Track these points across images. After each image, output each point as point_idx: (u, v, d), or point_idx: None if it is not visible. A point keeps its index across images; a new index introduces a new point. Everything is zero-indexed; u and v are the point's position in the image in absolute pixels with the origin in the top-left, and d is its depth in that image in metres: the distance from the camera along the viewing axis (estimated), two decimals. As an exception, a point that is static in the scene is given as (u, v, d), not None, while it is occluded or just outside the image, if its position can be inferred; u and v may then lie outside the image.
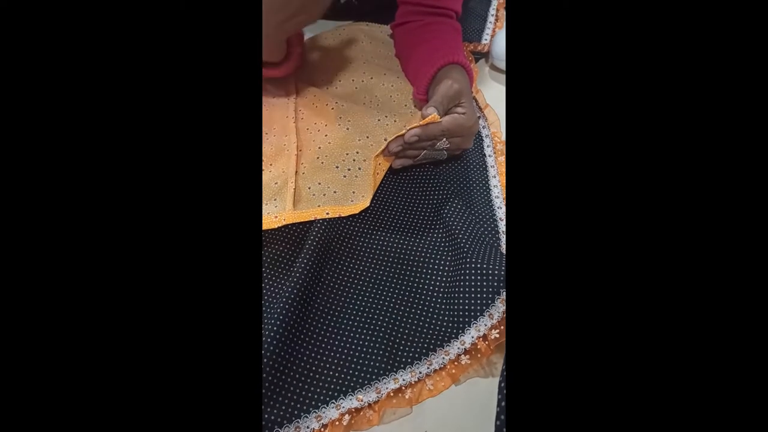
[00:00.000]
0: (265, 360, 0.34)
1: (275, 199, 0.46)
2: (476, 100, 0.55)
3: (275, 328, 0.36)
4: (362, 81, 0.58)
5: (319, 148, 0.50)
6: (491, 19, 0.70)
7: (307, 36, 0.65)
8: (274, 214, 0.43)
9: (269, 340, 0.35)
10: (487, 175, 0.49)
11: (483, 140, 0.52)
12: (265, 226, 0.43)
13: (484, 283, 0.37)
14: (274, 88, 0.57)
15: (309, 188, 0.47)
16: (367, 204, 0.44)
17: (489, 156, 0.51)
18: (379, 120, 0.51)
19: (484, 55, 0.65)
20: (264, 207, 0.45)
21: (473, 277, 0.38)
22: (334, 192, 0.46)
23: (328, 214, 0.44)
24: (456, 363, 0.36)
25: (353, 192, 0.46)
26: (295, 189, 0.46)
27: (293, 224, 0.44)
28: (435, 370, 0.36)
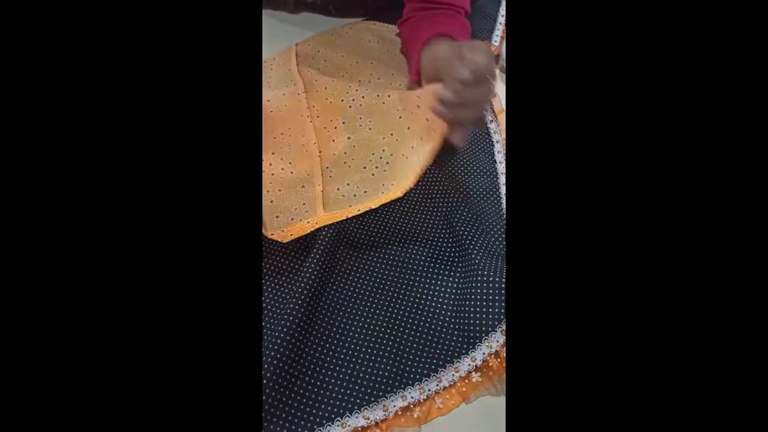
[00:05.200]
0: (267, 376, 0.33)
1: (305, 204, 0.44)
2: (491, 104, 0.54)
3: (278, 341, 0.34)
4: (369, 81, 0.56)
5: (345, 153, 0.48)
6: (501, 19, 0.68)
7: (310, 34, 0.64)
8: (306, 220, 0.42)
9: (272, 353, 0.34)
10: (498, 183, 0.48)
11: (494, 146, 0.51)
12: (299, 233, 0.42)
13: (496, 297, 0.36)
14: (277, 82, 0.55)
15: (338, 189, 0.45)
16: (399, 194, 0.43)
17: (500, 163, 0.49)
18: (400, 117, 0.49)
19: (495, 57, 0.64)
20: (294, 212, 0.44)
21: (484, 290, 0.36)
22: (365, 192, 0.45)
23: (359, 210, 0.43)
24: (466, 380, 0.34)
25: (383, 184, 0.45)
26: (323, 191, 0.45)
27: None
28: (444, 388, 0.34)
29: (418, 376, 0.34)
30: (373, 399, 0.34)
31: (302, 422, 0.33)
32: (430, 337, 0.37)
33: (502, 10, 0.69)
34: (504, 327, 0.35)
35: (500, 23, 0.67)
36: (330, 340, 0.37)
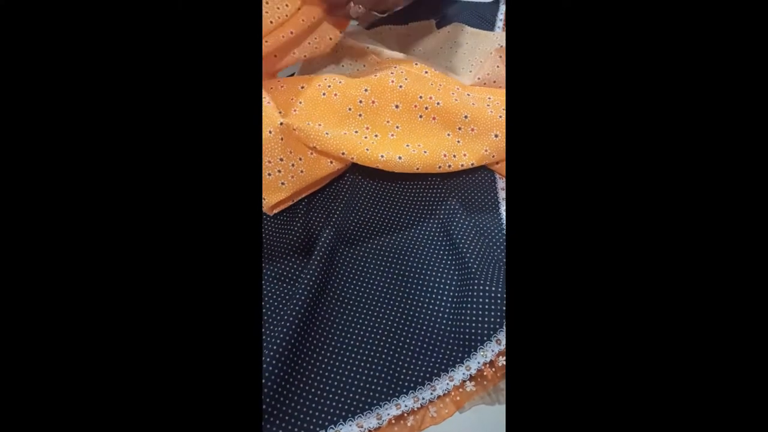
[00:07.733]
0: (263, 382, 0.33)
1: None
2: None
3: (275, 348, 0.34)
4: None
5: None
6: (500, 24, 0.68)
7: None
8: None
9: (268, 360, 0.33)
10: (496, 188, 0.48)
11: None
12: None
13: (492, 306, 0.36)
14: None
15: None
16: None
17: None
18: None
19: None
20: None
21: (480, 299, 0.36)
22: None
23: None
24: (461, 389, 0.34)
25: None
26: None
27: (297, 240, 0.43)
28: (439, 396, 0.34)
29: (412, 385, 0.34)
30: (366, 407, 0.33)
31: (295, 429, 0.32)
32: (425, 346, 0.36)
33: (500, 14, 0.69)
34: (499, 336, 0.35)
35: (498, 27, 0.67)
36: (326, 347, 0.37)
